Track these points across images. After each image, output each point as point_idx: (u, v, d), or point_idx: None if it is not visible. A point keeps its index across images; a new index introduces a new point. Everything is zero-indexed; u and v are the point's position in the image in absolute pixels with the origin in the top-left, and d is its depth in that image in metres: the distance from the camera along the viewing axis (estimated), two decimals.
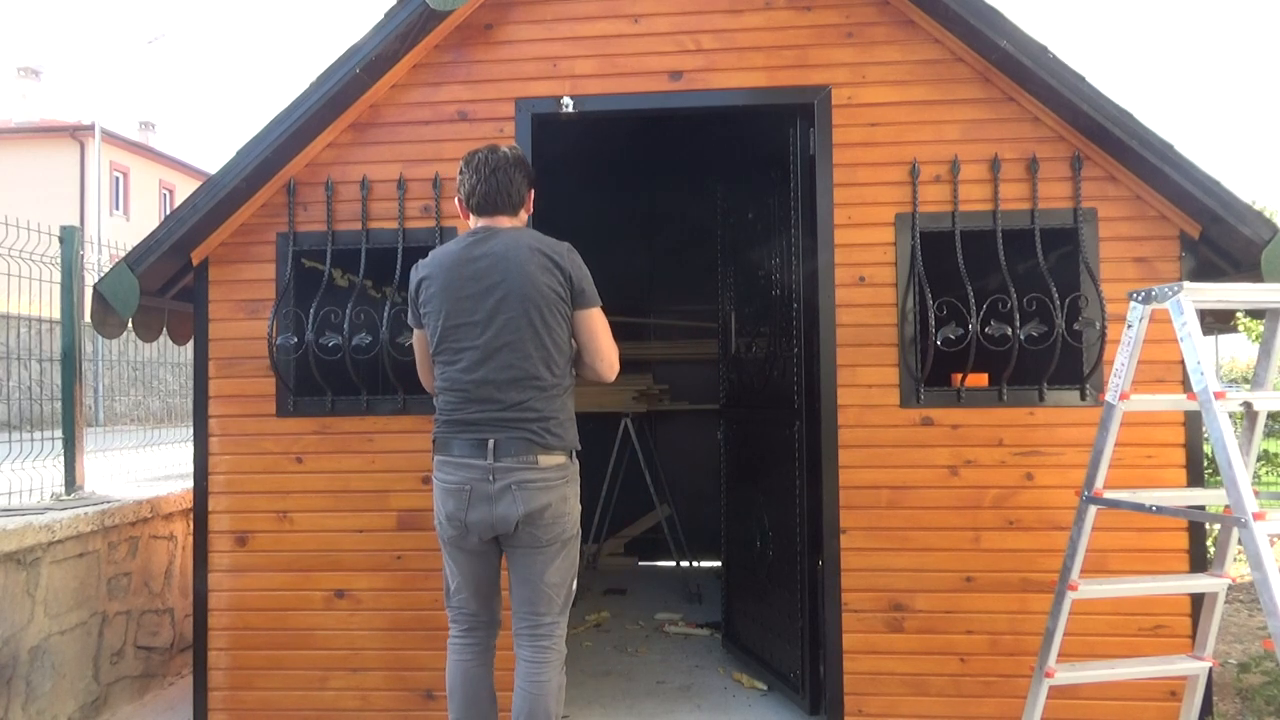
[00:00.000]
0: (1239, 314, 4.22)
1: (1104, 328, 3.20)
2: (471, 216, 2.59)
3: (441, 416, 2.51)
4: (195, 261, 3.53)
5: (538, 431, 2.42)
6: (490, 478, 2.40)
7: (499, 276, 2.42)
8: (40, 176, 24.19)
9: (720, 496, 4.46)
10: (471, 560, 2.54)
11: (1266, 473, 6.86)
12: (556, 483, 2.45)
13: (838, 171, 3.37)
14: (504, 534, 2.46)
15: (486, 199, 2.53)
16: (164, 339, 3.85)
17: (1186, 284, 2.46)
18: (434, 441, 2.54)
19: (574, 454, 2.53)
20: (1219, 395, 2.32)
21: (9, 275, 3.88)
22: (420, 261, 2.60)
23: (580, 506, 2.60)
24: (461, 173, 2.58)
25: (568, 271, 2.45)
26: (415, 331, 2.65)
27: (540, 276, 2.41)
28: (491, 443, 2.40)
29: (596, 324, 2.51)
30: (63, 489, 4.01)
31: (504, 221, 2.55)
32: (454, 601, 2.63)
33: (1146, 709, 3.20)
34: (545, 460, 2.42)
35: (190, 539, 3.86)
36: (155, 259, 3.39)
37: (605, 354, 2.53)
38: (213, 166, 8.73)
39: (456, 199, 2.63)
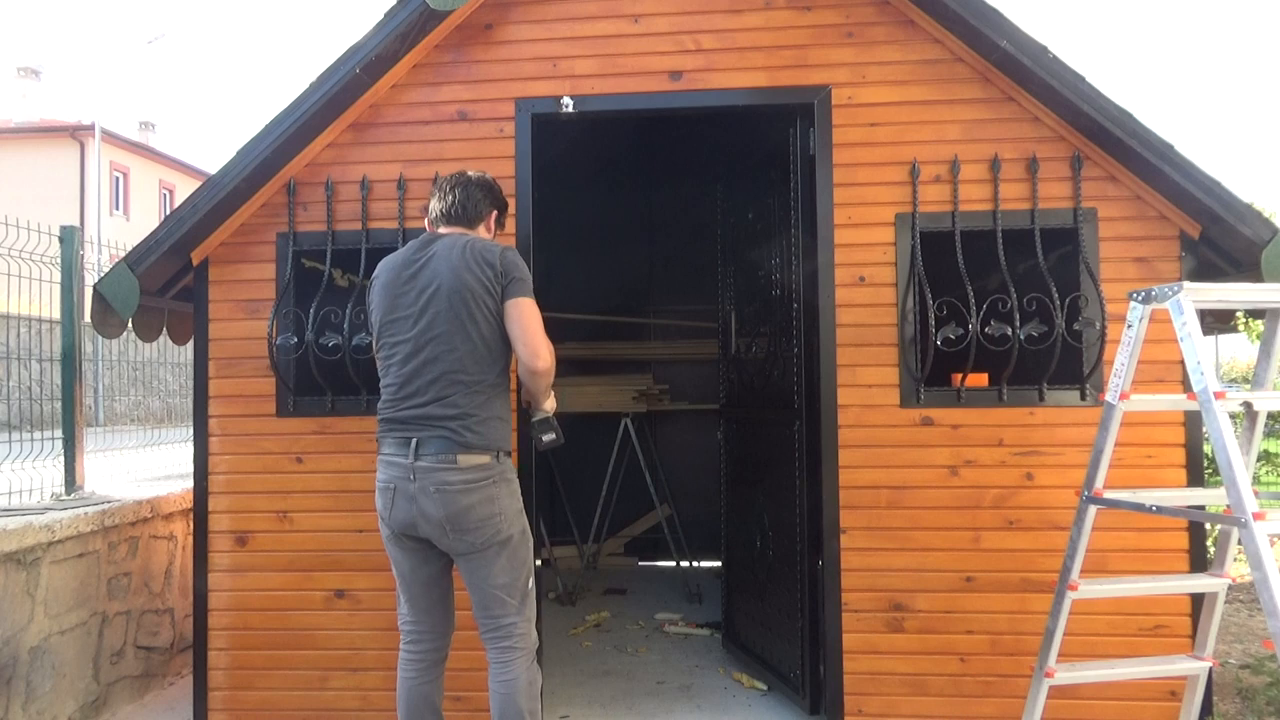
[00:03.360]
0: (1239, 314, 4.22)
1: (1104, 328, 3.20)
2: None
3: (379, 414, 2.54)
4: (195, 261, 3.54)
5: (457, 430, 2.40)
6: (411, 476, 2.40)
7: (431, 274, 2.46)
8: (40, 176, 24.20)
9: (720, 496, 4.46)
10: (408, 559, 2.54)
11: (1266, 473, 6.87)
12: (480, 483, 2.41)
13: (838, 171, 3.38)
14: (435, 537, 2.45)
15: (444, 213, 2.62)
16: (164, 339, 3.86)
17: (1186, 284, 2.45)
18: (376, 439, 2.56)
19: (500, 454, 2.48)
20: (1219, 395, 2.32)
21: (9, 275, 3.88)
22: None
23: (519, 505, 2.55)
24: (430, 196, 2.69)
25: (497, 266, 2.44)
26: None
27: (468, 273, 2.43)
28: (414, 441, 2.41)
29: (526, 313, 2.45)
30: (63, 489, 4.01)
31: (456, 231, 2.60)
32: (399, 611, 2.65)
33: (1146, 709, 3.20)
34: (465, 460, 2.40)
35: (190, 539, 3.86)
36: (155, 259, 3.39)
37: (529, 340, 2.44)
38: (213, 166, 8.74)
39: (425, 221, 2.71)
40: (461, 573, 2.54)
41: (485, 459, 2.43)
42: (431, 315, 2.43)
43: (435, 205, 2.64)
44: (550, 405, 2.65)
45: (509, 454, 2.54)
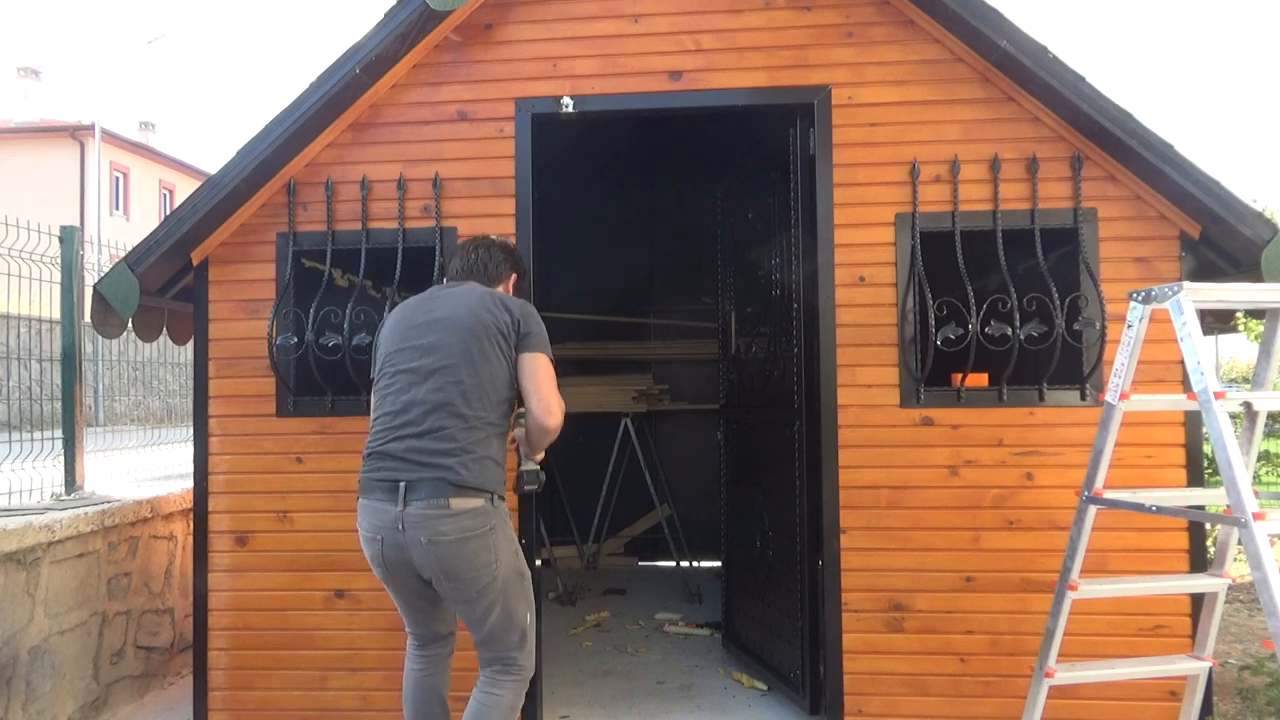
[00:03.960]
0: (1239, 314, 4.22)
1: (1104, 328, 3.20)
2: None
3: (366, 450, 2.43)
4: (195, 261, 3.53)
5: (452, 467, 2.27)
6: (400, 526, 2.29)
7: (446, 312, 2.44)
8: (40, 176, 24.19)
9: (720, 496, 4.46)
10: (403, 591, 2.49)
11: (1266, 473, 6.86)
12: (475, 532, 2.30)
13: (838, 171, 3.38)
14: (430, 579, 2.38)
15: (463, 268, 2.63)
16: (164, 339, 3.85)
17: (1186, 284, 2.45)
18: (359, 483, 2.45)
19: (494, 498, 2.36)
20: (1219, 395, 2.32)
21: (9, 275, 3.88)
22: None
23: (516, 547, 2.47)
24: (450, 258, 2.70)
25: (515, 315, 2.43)
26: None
27: (485, 311, 2.41)
28: (403, 486, 2.28)
29: (541, 369, 2.42)
30: (63, 489, 4.01)
31: (475, 284, 2.59)
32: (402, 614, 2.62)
33: (1146, 709, 3.20)
34: (458, 504, 2.27)
35: (190, 539, 3.86)
36: (155, 259, 3.39)
37: (543, 396, 2.38)
38: (213, 166, 8.74)
39: (444, 277, 2.72)
40: (460, 614, 2.49)
41: (479, 502, 2.31)
42: (441, 346, 2.38)
43: (457, 263, 2.65)
44: (540, 455, 2.63)
45: (503, 497, 2.43)
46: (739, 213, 4.30)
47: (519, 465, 2.66)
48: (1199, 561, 3.21)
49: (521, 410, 2.50)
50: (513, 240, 2.78)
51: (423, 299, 2.55)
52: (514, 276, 2.71)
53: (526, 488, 2.64)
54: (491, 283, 2.62)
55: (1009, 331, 3.25)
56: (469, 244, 2.69)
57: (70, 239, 4.04)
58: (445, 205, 3.47)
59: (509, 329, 2.41)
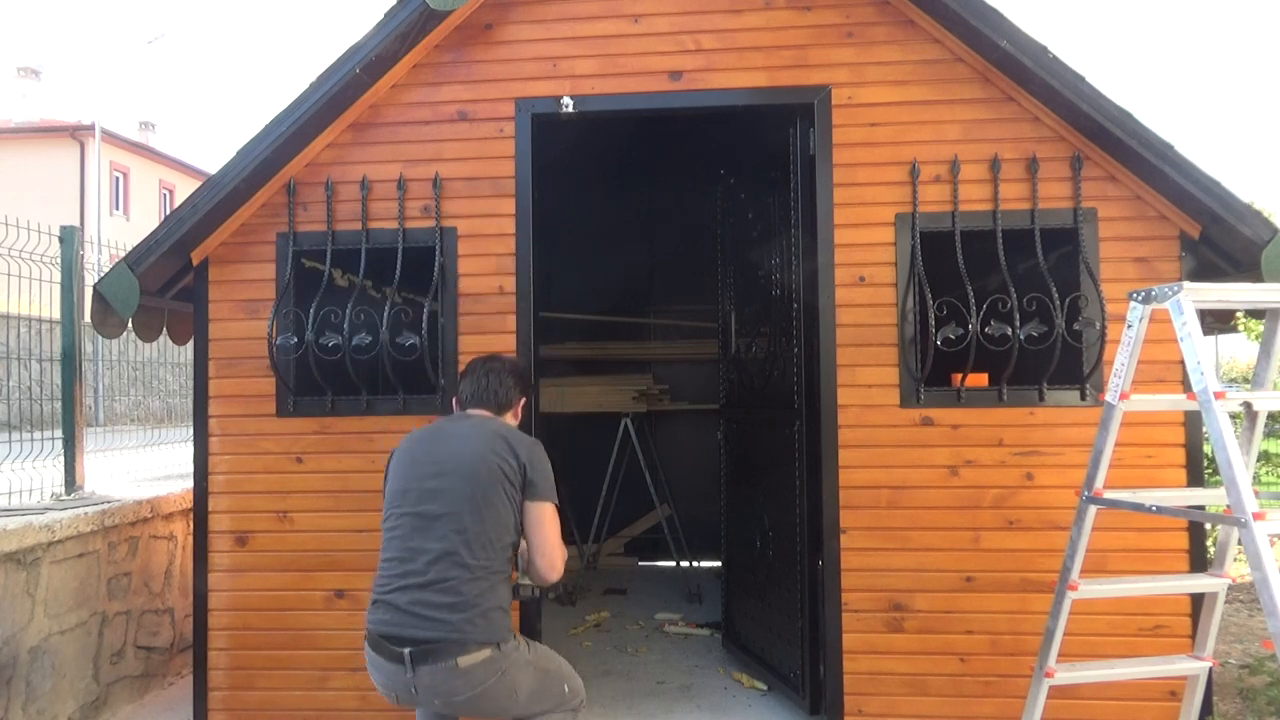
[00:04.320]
0: (1239, 314, 4.22)
1: (1104, 328, 3.20)
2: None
3: (373, 596, 2.37)
4: (195, 261, 3.54)
5: (457, 625, 2.22)
6: (413, 690, 2.26)
7: (452, 450, 2.39)
8: (40, 176, 24.19)
9: (720, 496, 4.46)
10: (428, 716, 2.49)
11: (1266, 473, 6.86)
12: (487, 680, 2.25)
13: (838, 171, 3.38)
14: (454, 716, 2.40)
15: (474, 395, 2.58)
16: (164, 339, 3.85)
17: (1186, 284, 2.45)
18: (365, 630, 2.36)
19: (502, 644, 2.28)
20: (1219, 395, 2.32)
21: (9, 275, 3.88)
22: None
23: (531, 659, 2.39)
24: (460, 378, 2.65)
25: (523, 460, 2.38)
26: None
27: (492, 454, 2.35)
28: (407, 654, 2.21)
29: (547, 521, 2.39)
30: (63, 489, 4.01)
31: (485, 414, 2.56)
32: None
33: (1146, 709, 3.20)
34: (466, 661, 2.21)
35: (190, 539, 3.86)
36: (155, 259, 3.39)
37: (548, 551, 2.37)
38: (213, 166, 8.74)
39: (454, 400, 2.64)
40: None
41: (487, 653, 2.25)
42: (447, 491, 2.32)
43: (466, 387, 2.58)
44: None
45: (512, 635, 2.37)
46: (739, 213, 4.30)
47: (516, 578, 2.54)
48: (1199, 561, 3.21)
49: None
50: (519, 359, 2.69)
51: (432, 433, 2.48)
52: (523, 400, 2.67)
53: (522, 596, 2.57)
54: (501, 409, 2.57)
55: (1009, 331, 3.25)
56: (479, 367, 2.61)
57: (70, 239, 4.05)
58: (445, 205, 3.47)
59: (516, 474, 2.36)
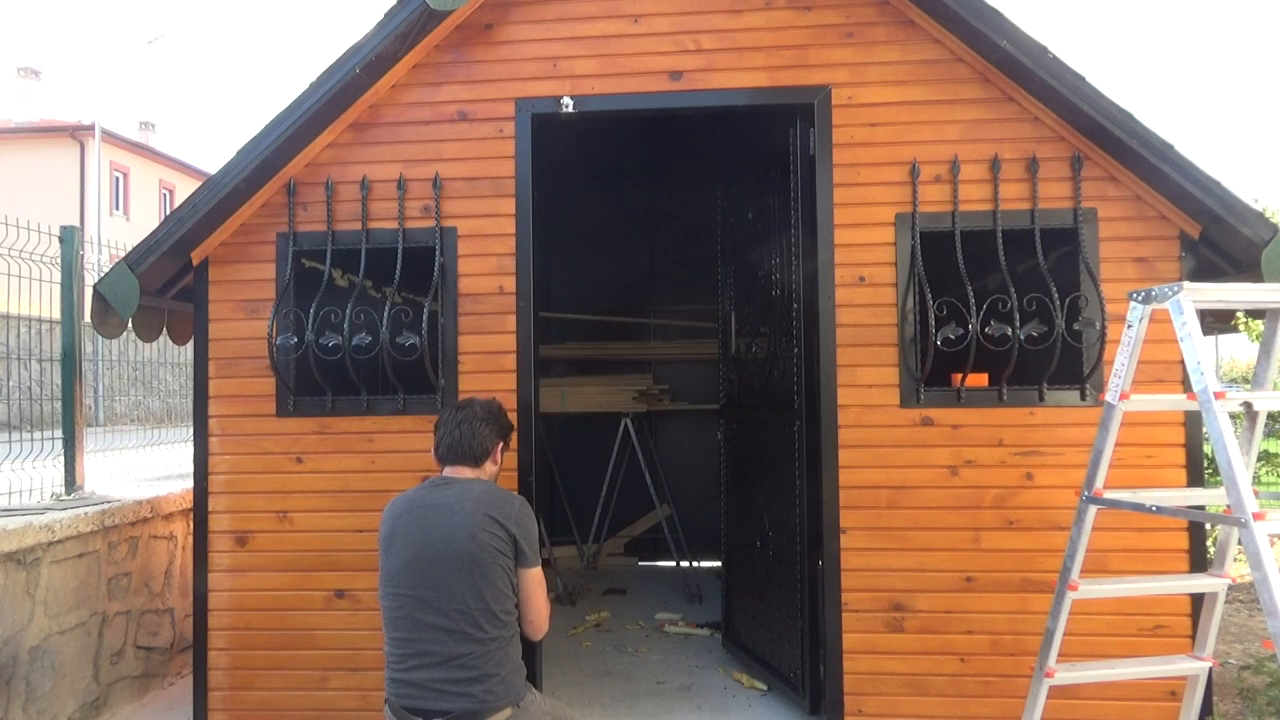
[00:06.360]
0: (1239, 314, 4.22)
1: (1104, 328, 3.20)
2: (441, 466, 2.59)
3: (388, 674, 2.39)
4: (195, 261, 3.54)
5: (479, 695, 2.28)
6: None
7: (444, 537, 2.37)
8: (40, 176, 24.19)
9: (720, 496, 4.46)
10: None
11: (1266, 473, 6.87)
12: None
13: (838, 171, 3.38)
14: None
15: (450, 449, 2.53)
16: (164, 339, 3.86)
17: (1186, 284, 2.45)
18: (385, 702, 2.40)
19: (521, 701, 2.36)
20: (1219, 395, 2.32)
21: (9, 275, 3.89)
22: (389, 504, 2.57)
23: (547, 709, 2.46)
24: (435, 428, 2.60)
25: (512, 531, 2.40)
26: None
27: (483, 535, 2.36)
28: None
29: (533, 585, 2.46)
30: (63, 489, 4.01)
31: (464, 472, 2.53)
32: None
33: (1146, 709, 3.20)
34: None
35: (190, 539, 3.86)
36: (155, 259, 3.39)
37: (535, 618, 2.50)
38: (213, 166, 8.75)
39: (432, 452, 2.59)
40: None
41: (508, 712, 2.33)
42: (443, 580, 2.32)
43: (441, 440, 2.55)
44: None
45: (528, 689, 2.44)
46: (739, 213, 4.30)
47: None
48: (1199, 561, 3.21)
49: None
50: (495, 399, 2.66)
51: (418, 509, 2.43)
52: (500, 444, 2.62)
53: None
54: (479, 460, 2.54)
55: (1009, 331, 3.25)
56: (449, 419, 2.56)
57: (70, 239, 4.05)
58: (445, 205, 3.47)
59: (508, 545, 2.39)
